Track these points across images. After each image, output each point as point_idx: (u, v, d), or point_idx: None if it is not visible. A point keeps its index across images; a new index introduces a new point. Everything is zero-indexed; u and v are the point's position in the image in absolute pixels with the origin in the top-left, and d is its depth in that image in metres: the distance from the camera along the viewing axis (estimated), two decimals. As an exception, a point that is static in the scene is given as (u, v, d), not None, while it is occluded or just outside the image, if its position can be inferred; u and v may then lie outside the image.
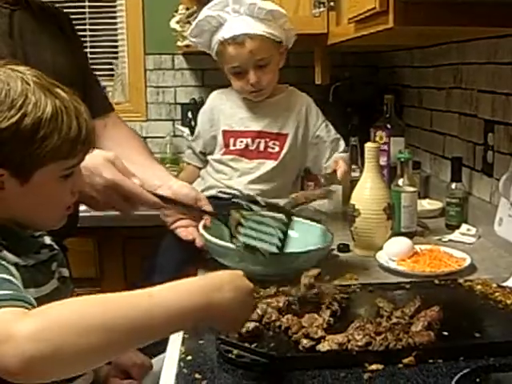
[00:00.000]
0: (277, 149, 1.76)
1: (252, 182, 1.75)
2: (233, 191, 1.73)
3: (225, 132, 1.78)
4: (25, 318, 0.72)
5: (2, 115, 0.87)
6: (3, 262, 0.84)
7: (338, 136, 1.81)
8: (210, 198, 1.64)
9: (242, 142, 1.76)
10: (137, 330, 0.76)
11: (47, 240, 1.03)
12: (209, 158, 1.83)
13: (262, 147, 1.76)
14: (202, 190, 1.75)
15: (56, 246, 1.05)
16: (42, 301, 0.90)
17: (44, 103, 0.89)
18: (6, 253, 0.87)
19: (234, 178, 1.76)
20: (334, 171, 1.60)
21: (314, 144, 1.80)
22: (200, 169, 1.87)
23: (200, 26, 1.71)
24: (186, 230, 1.40)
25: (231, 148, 1.77)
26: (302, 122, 1.79)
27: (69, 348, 0.70)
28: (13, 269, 0.85)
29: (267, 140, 1.76)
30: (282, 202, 1.73)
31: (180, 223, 1.41)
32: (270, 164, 1.76)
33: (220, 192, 1.73)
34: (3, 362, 0.69)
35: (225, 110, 1.80)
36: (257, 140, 1.76)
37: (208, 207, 1.37)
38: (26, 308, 0.76)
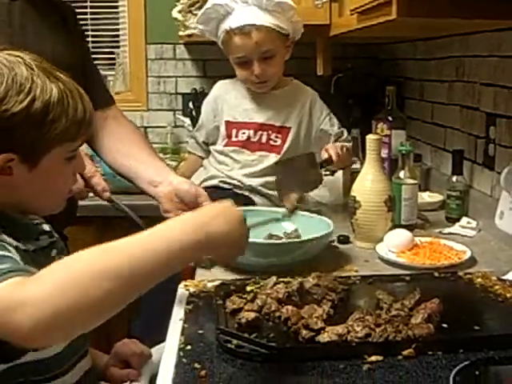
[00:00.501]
0: (279, 142, 1.76)
1: (253, 175, 1.74)
2: (234, 181, 1.73)
3: (228, 123, 1.78)
4: (28, 284, 0.73)
5: (11, 100, 0.87)
6: (2, 243, 0.84)
7: (343, 129, 1.81)
8: (211, 187, 1.64)
9: (244, 133, 1.76)
10: (138, 275, 0.77)
11: (46, 227, 1.03)
12: (211, 148, 1.83)
13: (264, 139, 1.76)
14: (204, 180, 1.76)
15: (55, 234, 1.05)
16: None
17: (50, 87, 0.90)
18: (5, 236, 0.87)
19: (236, 169, 1.75)
20: (329, 159, 1.60)
21: (319, 138, 1.79)
22: (202, 159, 1.87)
23: (207, 13, 1.70)
24: None
25: (233, 139, 1.77)
26: (305, 116, 1.78)
27: (75, 304, 0.71)
28: (12, 249, 0.85)
29: (270, 132, 1.76)
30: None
31: None
32: (272, 158, 1.75)
33: (221, 182, 1.73)
34: (19, 331, 0.70)
35: (229, 100, 1.80)
36: (259, 132, 1.76)
37: (207, 203, 1.37)
38: (25, 276, 0.76)
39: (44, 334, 0.71)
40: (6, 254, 0.81)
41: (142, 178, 1.42)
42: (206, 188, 1.59)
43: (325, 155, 1.62)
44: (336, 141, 1.77)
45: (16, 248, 0.87)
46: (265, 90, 1.76)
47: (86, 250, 0.77)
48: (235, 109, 1.78)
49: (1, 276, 0.75)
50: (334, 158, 1.59)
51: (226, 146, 1.77)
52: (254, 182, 1.73)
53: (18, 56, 0.92)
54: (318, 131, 1.79)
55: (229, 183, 1.74)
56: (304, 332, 0.98)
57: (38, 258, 0.93)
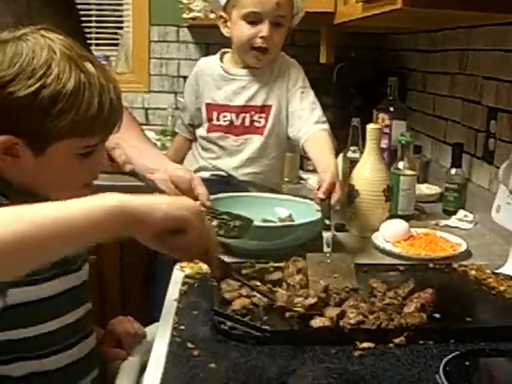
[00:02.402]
0: (262, 122, 1.68)
1: (242, 165, 1.69)
2: (224, 174, 1.70)
3: (208, 105, 1.71)
4: None
5: (20, 83, 0.86)
6: None
7: (314, 106, 1.65)
8: (203, 179, 1.63)
9: (225, 117, 1.69)
10: (43, 237, 0.69)
11: None
12: (197, 133, 1.76)
13: (247, 122, 1.68)
14: (195, 171, 1.74)
15: None
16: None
17: (67, 76, 0.87)
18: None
19: (223, 157, 1.70)
20: (328, 198, 1.34)
21: (291, 111, 1.67)
22: (190, 141, 1.81)
23: None
24: None
25: (215, 122, 1.70)
26: (284, 91, 1.68)
27: None
28: None
29: (252, 113, 1.68)
30: (276, 179, 1.72)
31: None
32: (256, 140, 1.68)
33: (213, 175, 1.70)
34: None
35: (208, 81, 1.71)
36: (241, 115, 1.68)
37: (201, 188, 1.38)
38: None
39: None
40: None
41: (138, 166, 1.43)
42: None
43: (322, 187, 1.35)
44: (304, 118, 1.63)
45: None
46: (260, 62, 1.66)
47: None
48: (215, 91, 1.70)
49: None
50: (333, 203, 1.35)
51: (209, 131, 1.71)
52: (245, 175, 1.69)
53: (49, 38, 0.89)
54: (289, 106, 1.67)
55: (219, 175, 1.70)
56: (298, 305, 0.99)
57: None
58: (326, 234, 1.28)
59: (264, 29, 1.59)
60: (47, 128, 0.88)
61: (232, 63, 1.72)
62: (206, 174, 1.69)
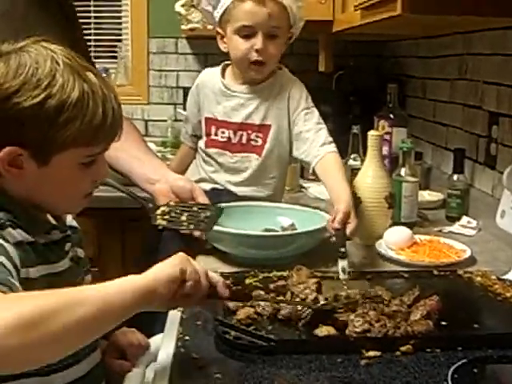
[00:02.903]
0: (260, 142, 1.64)
1: (241, 183, 1.65)
2: (223, 188, 1.67)
3: (207, 119, 1.69)
4: None
5: (26, 94, 0.85)
6: (2, 242, 0.83)
7: (320, 126, 1.61)
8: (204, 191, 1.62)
9: (223, 133, 1.66)
10: (103, 318, 0.78)
11: (69, 217, 1.02)
12: (198, 144, 1.74)
13: (244, 140, 1.64)
14: (196, 181, 1.73)
15: (75, 224, 1.04)
16: (51, 278, 0.90)
17: (71, 86, 0.87)
18: (10, 230, 0.86)
19: (221, 172, 1.67)
20: (343, 228, 1.33)
21: (296, 133, 1.64)
22: (194, 150, 1.78)
23: None
24: None
25: (213, 137, 1.67)
26: (284, 110, 1.64)
27: (38, 341, 0.70)
28: (10, 247, 0.84)
29: (249, 132, 1.64)
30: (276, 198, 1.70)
31: None
32: (253, 159, 1.64)
33: (212, 189, 1.68)
34: None
35: (209, 95, 1.69)
36: (239, 132, 1.64)
37: (202, 198, 1.39)
38: (1, 291, 0.74)
39: None
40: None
41: (139, 176, 1.44)
42: None
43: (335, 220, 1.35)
44: (311, 140, 1.59)
45: (17, 244, 0.86)
46: (258, 75, 1.63)
47: (54, 290, 0.77)
48: (215, 105, 1.67)
49: None
50: (349, 233, 1.34)
51: (206, 146, 1.68)
52: (245, 191, 1.65)
53: (50, 50, 0.90)
54: (293, 124, 1.64)
55: (219, 189, 1.67)
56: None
57: (46, 251, 0.92)
58: (342, 263, 1.27)
59: (258, 42, 1.56)
60: (52, 138, 0.88)
61: (232, 79, 1.69)
62: (207, 187, 1.67)
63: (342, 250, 1.29)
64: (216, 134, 1.67)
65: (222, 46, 1.66)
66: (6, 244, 0.83)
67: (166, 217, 1.32)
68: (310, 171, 1.60)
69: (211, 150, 1.68)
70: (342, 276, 1.25)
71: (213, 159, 1.68)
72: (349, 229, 1.33)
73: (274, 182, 1.67)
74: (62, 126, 0.87)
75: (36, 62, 0.87)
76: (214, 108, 1.68)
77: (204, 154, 1.71)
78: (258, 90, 1.65)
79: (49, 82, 0.86)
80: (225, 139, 1.66)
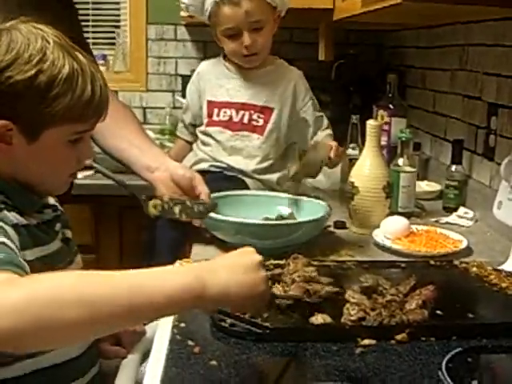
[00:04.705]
0: (261, 122, 1.71)
1: (240, 161, 1.71)
2: (223, 165, 1.71)
3: (209, 102, 1.74)
4: (11, 288, 0.70)
5: (18, 68, 0.87)
6: (2, 224, 0.83)
7: (321, 113, 1.77)
8: (202, 171, 1.63)
9: (225, 112, 1.72)
10: (118, 310, 0.72)
11: (51, 200, 1.03)
12: (197, 130, 1.79)
13: (246, 119, 1.71)
14: (195, 163, 1.74)
15: (60, 207, 1.05)
16: (44, 260, 0.91)
17: (61, 63, 0.89)
18: (5, 213, 0.87)
19: (220, 150, 1.72)
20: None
21: (301, 119, 1.74)
22: (190, 143, 1.83)
23: None
24: None
25: (214, 118, 1.72)
26: (289, 98, 1.73)
27: (49, 322, 0.68)
28: (10, 230, 0.84)
29: (251, 112, 1.71)
30: (274, 176, 1.72)
31: None
32: (254, 138, 1.71)
33: (211, 166, 1.71)
34: None
35: (211, 79, 1.75)
36: (241, 112, 1.71)
37: (202, 187, 1.39)
38: (17, 273, 0.74)
39: (5, 343, 0.69)
40: (2, 239, 0.80)
41: (139, 164, 1.44)
42: (196, 172, 1.58)
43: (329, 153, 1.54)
44: (316, 126, 1.74)
45: (15, 225, 0.87)
46: (255, 64, 1.71)
47: (73, 272, 0.75)
48: (217, 88, 1.74)
49: None
50: (333, 156, 1.52)
51: (208, 126, 1.74)
52: (243, 166, 1.70)
53: (40, 29, 0.92)
54: (299, 114, 1.75)
55: (218, 167, 1.71)
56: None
57: (39, 233, 0.93)
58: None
59: (245, 39, 1.64)
60: (43, 113, 0.89)
61: (234, 63, 1.75)
62: (205, 165, 1.71)
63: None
64: (218, 115, 1.73)
65: (218, 43, 1.75)
66: (6, 226, 0.84)
67: (159, 208, 1.32)
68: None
69: (211, 129, 1.73)
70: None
71: (212, 138, 1.72)
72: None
73: (271, 163, 1.73)
74: (53, 101, 0.89)
75: (27, 39, 0.89)
76: (216, 91, 1.74)
77: (204, 136, 1.75)
78: (260, 74, 1.73)
79: (40, 58, 0.88)
80: (226, 118, 1.72)
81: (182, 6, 1.79)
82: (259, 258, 0.85)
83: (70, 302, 0.69)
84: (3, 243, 0.79)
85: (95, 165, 1.34)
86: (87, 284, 0.72)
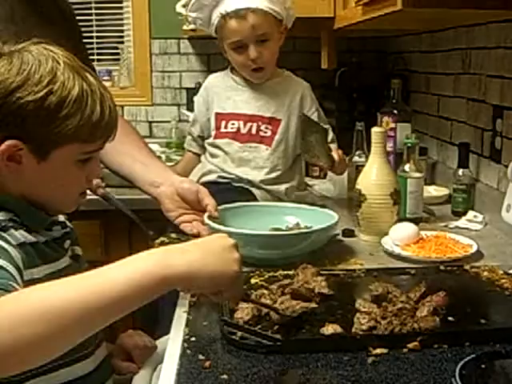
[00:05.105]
0: (269, 133, 1.72)
1: (249, 173, 1.71)
2: (231, 176, 1.71)
3: (217, 114, 1.75)
4: None
5: (28, 89, 0.89)
6: (4, 245, 0.84)
7: (328, 126, 1.77)
8: (210, 183, 1.64)
9: (233, 124, 1.73)
10: (89, 311, 0.71)
11: (60, 217, 1.03)
12: (205, 143, 1.80)
13: (254, 130, 1.72)
14: (203, 174, 1.75)
15: (69, 224, 1.05)
16: (53, 277, 0.90)
17: (71, 84, 0.91)
18: (12, 231, 0.87)
19: (228, 161, 1.72)
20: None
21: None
22: (199, 156, 1.84)
23: (200, 0, 1.68)
24: (190, 224, 1.40)
25: (222, 130, 1.73)
26: (296, 109, 1.74)
27: (31, 337, 0.67)
28: (13, 251, 0.84)
29: (259, 123, 1.72)
30: (282, 186, 1.73)
31: (184, 218, 1.41)
32: (262, 149, 1.72)
33: (219, 177, 1.71)
34: None
35: (219, 92, 1.77)
36: (249, 123, 1.72)
37: (208, 199, 1.39)
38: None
39: None
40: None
41: (143, 180, 1.44)
42: (204, 183, 1.59)
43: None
44: None
45: (22, 244, 0.87)
46: (261, 79, 1.73)
47: (46, 283, 0.73)
48: (225, 100, 1.75)
49: None
50: (336, 159, 1.58)
51: (216, 138, 1.75)
52: (252, 176, 1.71)
53: (51, 50, 0.93)
54: None
55: (226, 178, 1.72)
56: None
57: (47, 250, 0.94)
58: None
59: (251, 52, 1.66)
60: (53, 133, 0.91)
61: (241, 76, 1.76)
62: (214, 176, 1.71)
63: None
64: (226, 127, 1.74)
65: (225, 55, 1.76)
66: (8, 247, 0.84)
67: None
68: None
69: (220, 141, 1.74)
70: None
71: (220, 149, 1.74)
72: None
73: (280, 172, 1.73)
74: (62, 121, 0.90)
75: (38, 60, 0.91)
76: (224, 103, 1.75)
77: (212, 148, 1.75)
78: (267, 85, 1.75)
79: (50, 79, 0.90)
80: (234, 129, 1.73)
81: (190, 19, 1.80)
82: (232, 241, 0.87)
83: (45, 315, 0.69)
84: (1, 267, 0.79)
85: (110, 196, 1.36)
86: (59, 294, 0.71)
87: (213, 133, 1.75)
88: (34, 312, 0.69)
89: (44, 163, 0.92)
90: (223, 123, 1.74)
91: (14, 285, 0.79)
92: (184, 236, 1.35)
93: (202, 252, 0.82)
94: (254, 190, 1.70)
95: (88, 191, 1.35)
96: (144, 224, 1.39)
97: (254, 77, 1.73)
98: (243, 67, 1.71)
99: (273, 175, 1.72)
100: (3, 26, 1.29)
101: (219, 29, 1.69)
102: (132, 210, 1.40)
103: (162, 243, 1.32)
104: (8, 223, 0.88)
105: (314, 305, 1.03)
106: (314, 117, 1.75)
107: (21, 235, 0.88)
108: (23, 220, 0.91)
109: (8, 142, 0.89)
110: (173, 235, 1.35)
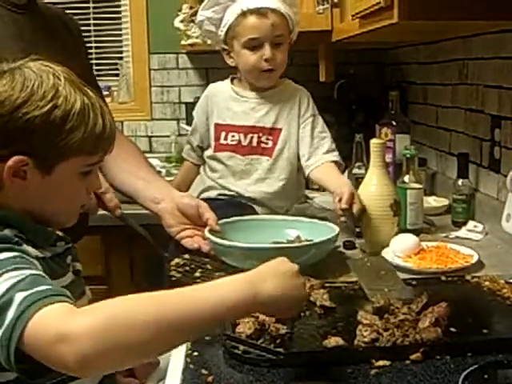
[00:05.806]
0: (270, 144, 1.71)
1: (250, 185, 1.70)
2: (232, 193, 1.70)
3: (216, 125, 1.74)
4: (76, 316, 0.73)
5: (33, 104, 0.90)
6: (29, 258, 0.85)
7: (325, 134, 1.72)
8: (210, 199, 1.63)
9: (233, 136, 1.72)
10: (185, 324, 0.77)
11: (61, 233, 1.03)
12: (204, 154, 1.78)
13: (254, 142, 1.71)
14: (203, 190, 1.74)
15: (69, 239, 1.06)
16: None
17: (74, 98, 0.92)
18: (25, 246, 0.88)
19: (230, 177, 1.71)
20: (350, 208, 1.45)
21: (301, 137, 1.72)
22: (198, 166, 1.83)
23: None
24: (191, 239, 1.40)
25: (222, 142, 1.72)
26: (294, 116, 1.72)
27: (123, 344, 0.72)
28: (37, 263, 0.86)
29: (260, 135, 1.71)
30: (284, 199, 1.72)
31: (184, 233, 1.41)
32: (263, 161, 1.70)
33: (220, 195, 1.71)
34: (61, 361, 0.71)
35: (218, 102, 1.76)
36: (249, 135, 1.71)
37: (209, 213, 1.40)
38: (71, 303, 0.77)
39: (86, 369, 0.72)
40: (39, 272, 0.82)
41: (144, 196, 1.45)
42: (204, 200, 1.58)
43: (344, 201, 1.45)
44: (314, 147, 1.69)
45: (36, 258, 0.88)
46: (270, 82, 1.71)
47: (136, 295, 0.79)
48: (225, 111, 1.74)
49: (45, 298, 0.75)
50: (356, 212, 1.46)
51: (215, 150, 1.73)
52: (254, 193, 1.70)
53: (49, 66, 0.95)
54: (301, 130, 1.72)
55: (227, 195, 1.70)
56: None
57: (53, 266, 0.94)
58: (360, 241, 1.41)
59: (266, 52, 1.65)
60: (58, 146, 0.92)
61: (242, 87, 1.76)
62: (214, 194, 1.70)
63: (358, 230, 1.44)
64: (226, 139, 1.73)
65: (230, 61, 1.74)
66: (32, 259, 0.85)
67: (180, 269, 1.33)
68: (306, 174, 1.70)
69: (220, 154, 1.72)
70: (361, 256, 1.37)
71: (221, 163, 1.72)
72: (355, 208, 1.44)
73: (283, 184, 1.71)
74: (68, 134, 0.92)
75: (40, 76, 0.92)
76: (225, 114, 1.74)
77: (212, 161, 1.74)
78: (267, 95, 1.74)
79: (54, 94, 0.91)
80: (235, 142, 1.72)
81: (197, 22, 1.77)
82: (296, 266, 0.92)
83: (147, 323, 0.74)
84: (40, 275, 0.81)
85: (127, 218, 1.37)
86: (160, 305, 0.77)
87: (212, 144, 1.74)
88: (136, 317, 0.74)
89: (48, 177, 0.93)
90: (223, 134, 1.73)
91: (65, 291, 0.81)
92: (197, 257, 1.35)
93: (279, 279, 0.87)
94: (255, 206, 1.70)
95: (107, 212, 1.38)
96: (160, 245, 1.40)
97: (263, 78, 1.70)
98: (253, 68, 1.68)
99: (274, 187, 1.70)
100: (13, 42, 1.30)
101: (234, 26, 1.67)
102: (147, 230, 1.41)
103: (177, 265, 1.33)
104: (18, 239, 0.88)
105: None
106: (307, 123, 1.71)
107: (31, 250, 0.89)
108: (28, 236, 0.91)
109: (15, 158, 0.90)
110: (186, 256, 1.36)
